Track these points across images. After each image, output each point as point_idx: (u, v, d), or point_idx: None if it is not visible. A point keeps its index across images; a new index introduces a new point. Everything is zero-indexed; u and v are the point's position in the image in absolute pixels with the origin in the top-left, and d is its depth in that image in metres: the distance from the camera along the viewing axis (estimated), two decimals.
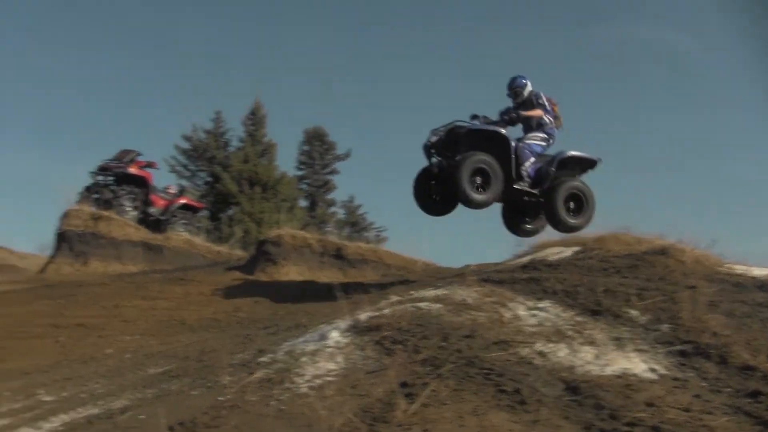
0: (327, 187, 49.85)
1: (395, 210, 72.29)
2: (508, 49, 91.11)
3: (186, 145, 45.75)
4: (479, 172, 13.88)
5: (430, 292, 11.61)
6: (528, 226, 15.49)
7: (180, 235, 24.68)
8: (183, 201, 25.86)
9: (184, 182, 42.18)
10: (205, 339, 12.55)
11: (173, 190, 26.38)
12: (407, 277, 16.45)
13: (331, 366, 8.76)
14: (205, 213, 31.65)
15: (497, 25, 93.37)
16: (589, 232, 14.65)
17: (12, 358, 12.72)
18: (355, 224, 47.90)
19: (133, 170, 24.59)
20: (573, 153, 14.84)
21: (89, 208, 23.57)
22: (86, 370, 11.54)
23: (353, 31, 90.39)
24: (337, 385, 8.12)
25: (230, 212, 39.89)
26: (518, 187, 14.41)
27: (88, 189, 24.40)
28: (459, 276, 13.50)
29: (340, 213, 49.04)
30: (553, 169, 14.53)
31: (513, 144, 14.43)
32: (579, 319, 9.72)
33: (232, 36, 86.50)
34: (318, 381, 8.38)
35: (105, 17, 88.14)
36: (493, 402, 7.25)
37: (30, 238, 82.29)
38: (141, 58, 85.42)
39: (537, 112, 14.84)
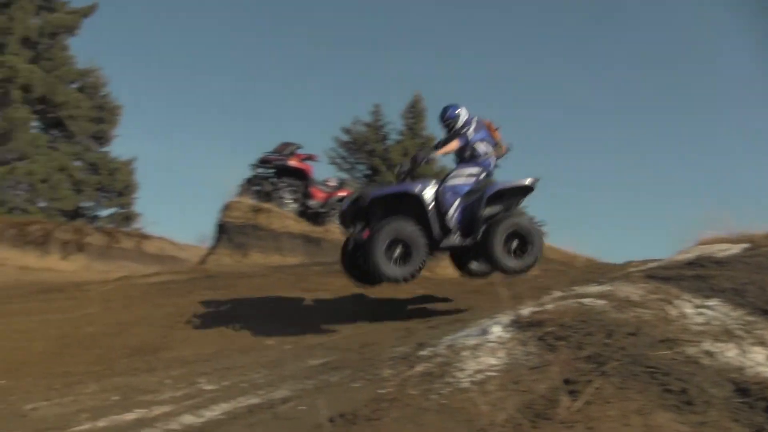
0: None
1: (555, 205, 71.88)
2: None
3: (346, 138, 46.16)
4: (395, 242, 12.70)
5: (594, 288, 11.46)
6: (475, 267, 14.39)
7: (339, 227, 24.80)
8: (342, 194, 25.92)
9: (344, 175, 42.52)
10: (366, 331, 12.62)
11: (333, 182, 26.46)
12: (569, 272, 16.28)
13: (493, 361, 8.70)
14: None
15: None
16: (759, 228, 14.08)
17: (174, 347, 13.01)
18: None
19: (293, 163, 24.74)
20: (500, 187, 13.32)
21: (249, 200, 23.87)
22: (247, 360, 11.73)
23: (509, 24, 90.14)
24: (499, 380, 8.07)
25: None
26: (446, 245, 13.26)
27: (248, 181, 24.68)
28: (623, 272, 13.30)
29: None
30: (484, 208, 13.15)
31: (431, 196, 13.08)
32: (749, 318, 9.46)
33: (392, 29, 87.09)
34: (479, 376, 8.33)
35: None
36: (659, 401, 7.12)
37: (190, 229, 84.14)
38: (301, 54, 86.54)
39: (451, 147, 13.56)
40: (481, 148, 13.54)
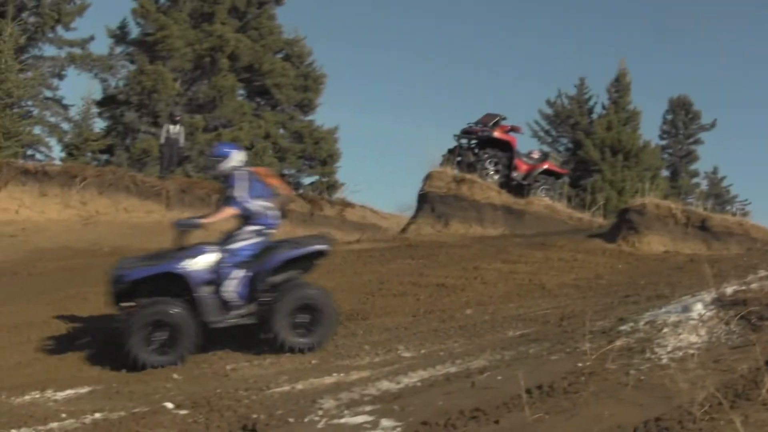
0: (690, 157, 48.86)
1: (762, 183, 70.08)
2: None
3: (549, 111, 45.96)
4: (158, 327, 11.08)
5: None
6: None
7: (542, 200, 24.66)
8: (546, 166, 25.76)
9: (546, 148, 42.34)
10: (565, 304, 12.61)
11: (536, 155, 26.34)
12: None
13: (694, 338, 8.64)
14: (566, 179, 31.55)
15: None
16: None
17: (374, 314, 13.22)
18: (718, 196, 46.74)
19: (497, 134, 24.72)
20: (287, 255, 11.90)
21: (452, 171, 23.96)
22: (445, 329, 11.86)
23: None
24: (699, 358, 8.01)
25: (591, 179, 39.75)
26: (225, 323, 11.66)
27: (451, 152, 24.79)
28: None
29: (703, 184, 47.96)
30: (269, 277, 11.76)
31: (203, 268, 11.54)
32: None
33: (598, 2, 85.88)
34: (679, 353, 8.29)
35: None
36: None
37: (392, 198, 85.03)
38: (509, 25, 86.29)
39: (220, 216, 12.03)
40: (257, 206, 12.03)
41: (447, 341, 11.09)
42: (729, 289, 9.74)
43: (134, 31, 40.54)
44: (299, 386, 9.54)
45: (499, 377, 8.65)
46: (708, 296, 9.72)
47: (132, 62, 39.90)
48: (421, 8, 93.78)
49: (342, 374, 9.88)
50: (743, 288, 9.76)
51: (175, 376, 10.58)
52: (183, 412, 8.85)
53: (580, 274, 15.22)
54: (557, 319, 11.38)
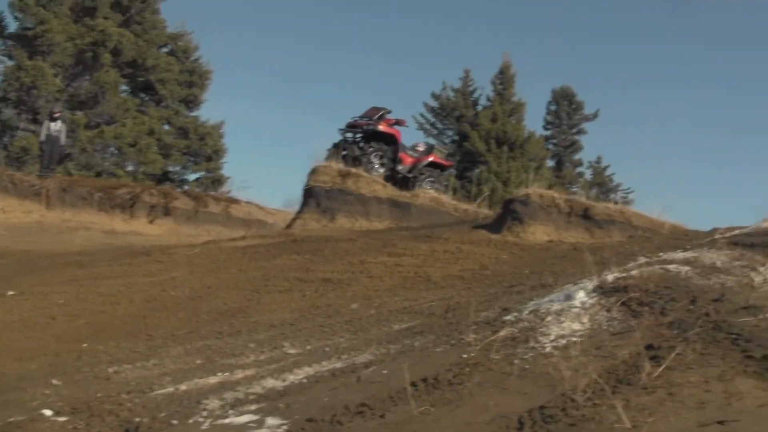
0: (574, 147, 49.55)
1: (644, 170, 71.26)
2: None
3: (434, 104, 46.23)
4: None
5: (679, 255, 11.45)
6: None
7: (427, 192, 24.85)
8: (431, 159, 25.99)
9: (432, 140, 42.56)
10: (450, 296, 12.66)
11: (421, 147, 26.54)
12: (655, 239, 16.19)
13: (576, 326, 8.75)
14: (452, 171, 31.79)
15: None
16: None
17: (259, 311, 13.18)
18: (601, 185, 47.47)
19: (382, 127, 24.86)
20: None
21: (337, 165, 24.02)
22: (331, 325, 11.85)
23: None
24: (581, 345, 8.11)
25: (477, 171, 40.09)
26: None
27: (336, 146, 24.89)
28: (708, 239, 13.24)
29: (587, 173, 48.67)
30: None
31: None
32: None
33: None
34: (562, 341, 8.40)
35: None
36: (740, 368, 7.09)
37: (278, 194, 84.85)
38: (394, 16, 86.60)
39: None
40: None
41: (333, 337, 11.07)
42: (610, 277, 9.91)
43: (12, 25, 39.79)
44: (183, 387, 9.45)
45: (385, 371, 8.67)
46: (590, 284, 9.88)
47: (10, 57, 39.15)
48: (309, 1, 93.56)
49: (227, 373, 9.80)
50: (624, 275, 9.93)
51: (54, 381, 10.35)
52: (62, 419, 8.69)
53: (466, 265, 15.31)
54: (442, 311, 11.43)
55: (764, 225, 13.56)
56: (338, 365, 9.40)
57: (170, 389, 9.42)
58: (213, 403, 8.51)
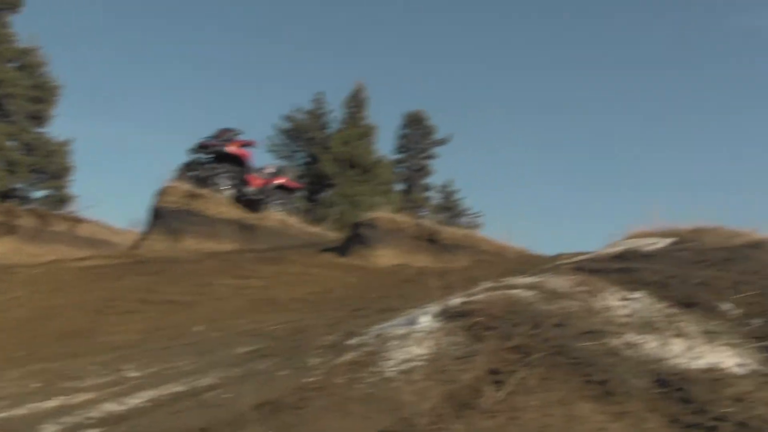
0: (425, 171, 49.91)
1: (489, 196, 72.33)
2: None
3: (286, 126, 46.14)
4: None
5: (523, 280, 11.59)
6: None
7: (275, 214, 24.83)
8: (280, 181, 25.99)
9: (283, 162, 42.49)
10: (296, 319, 12.65)
11: (271, 169, 26.51)
12: (501, 263, 16.40)
13: (420, 350, 8.77)
14: (301, 193, 31.81)
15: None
16: (685, 223, 14.26)
17: (102, 333, 13.00)
18: (450, 209, 47.94)
19: (231, 149, 24.77)
20: None
21: (185, 186, 23.83)
22: (174, 347, 11.74)
23: (456, 14, 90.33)
24: (425, 370, 8.14)
25: (327, 194, 40.15)
26: None
27: (185, 166, 24.69)
28: (552, 264, 13.45)
29: (437, 198, 49.09)
30: None
31: None
32: (671, 311, 9.61)
33: (335, 18, 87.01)
34: (406, 365, 8.40)
35: None
36: (581, 392, 7.22)
37: (125, 213, 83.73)
38: (243, 37, 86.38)
39: None
40: None
41: (176, 359, 10.93)
42: (455, 301, 9.97)
43: None
44: (20, 412, 9.18)
45: (228, 395, 8.58)
46: (435, 308, 9.92)
47: None
48: (164, 18, 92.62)
49: (65, 397, 9.56)
50: (469, 299, 10.00)
51: None
52: None
53: (312, 288, 15.33)
54: (288, 334, 11.40)
55: (606, 251, 13.85)
56: (181, 388, 9.26)
57: (5, 414, 9.14)
58: (50, 428, 8.29)
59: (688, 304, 9.82)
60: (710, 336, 8.81)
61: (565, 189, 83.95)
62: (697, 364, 8.03)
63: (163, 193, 23.77)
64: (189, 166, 24.62)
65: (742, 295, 10.11)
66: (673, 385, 7.28)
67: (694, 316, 9.45)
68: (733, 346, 8.58)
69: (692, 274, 11.03)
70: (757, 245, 12.44)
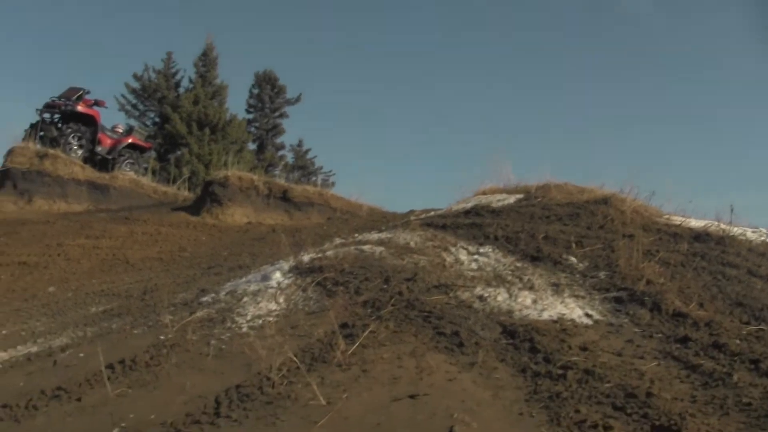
0: (276, 130, 49.69)
1: (344, 154, 72.41)
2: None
3: (136, 85, 45.44)
4: None
5: (374, 236, 11.71)
6: None
7: (126, 174, 24.51)
8: (130, 140, 25.64)
9: (133, 122, 41.89)
10: (149, 278, 12.59)
11: (121, 129, 26.14)
12: (352, 221, 16.49)
13: (273, 306, 8.84)
14: (152, 153, 31.42)
15: None
16: (533, 180, 14.52)
17: None
18: (303, 168, 47.86)
19: (80, 108, 24.32)
20: None
21: (35, 146, 23.33)
22: (27, 308, 11.56)
23: None
24: (277, 325, 8.20)
25: (178, 153, 39.73)
26: None
27: (33, 126, 24.16)
28: (403, 221, 13.58)
29: (289, 157, 48.94)
30: None
31: None
32: (519, 264, 9.84)
33: None
34: (259, 321, 8.47)
35: None
36: (432, 344, 7.34)
37: None
38: None
39: None
40: None
41: (29, 321, 10.80)
42: (306, 257, 10.06)
43: None
44: None
45: (81, 354, 8.51)
46: (286, 265, 9.99)
47: None
48: None
49: None
50: (320, 256, 10.10)
51: None
52: None
53: (164, 247, 15.23)
54: (140, 293, 11.34)
55: (457, 207, 14.03)
56: (34, 349, 9.18)
57: None
58: None
59: (535, 258, 10.07)
60: (557, 288, 9.05)
61: (416, 145, 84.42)
62: (545, 315, 8.24)
63: (12, 153, 23.19)
64: (38, 127, 24.10)
65: (588, 248, 10.39)
66: (521, 336, 7.45)
67: (541, 270, 9.69)
68: (578, 297, 8.84)
69: (539, 228, 11.28)
70: (601, 201, 12.76)
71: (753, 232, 12.29)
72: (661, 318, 8.14)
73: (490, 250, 10.43)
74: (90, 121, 24.62)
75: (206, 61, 44.53)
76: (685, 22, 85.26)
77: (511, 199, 13.71)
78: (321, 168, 48.57)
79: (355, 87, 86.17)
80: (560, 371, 6.58)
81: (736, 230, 12.02)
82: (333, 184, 42.03)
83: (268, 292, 9.17)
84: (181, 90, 45.04)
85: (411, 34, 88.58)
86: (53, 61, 78.73)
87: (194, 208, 19.38)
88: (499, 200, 13.72)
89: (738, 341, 7.34)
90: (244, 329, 8.27)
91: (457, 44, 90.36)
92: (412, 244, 10.80)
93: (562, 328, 7.80)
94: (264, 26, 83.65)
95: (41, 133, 23.98)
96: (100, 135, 24.76)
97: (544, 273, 9.55)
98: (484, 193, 14.71)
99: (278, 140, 49.64)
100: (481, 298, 8.66)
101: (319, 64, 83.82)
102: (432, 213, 14.35)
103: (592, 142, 77.65)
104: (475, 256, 10.22)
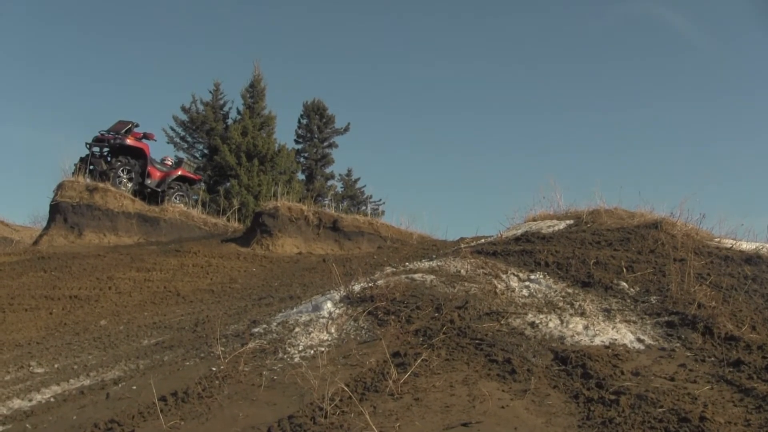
0: (325, 160, 49.80)
1: (393, 183, 72.47)
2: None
3: (184, 117, 45.74)
4: None
5: (425, 264, 11.69)
6: None
7: (176, 206, 24.60)
8: (180, 173, 25.75)
9: (182, 154, 42.14)
10: (200, 310, 12.63)
11: (170, 161, 26.25)
12: (402, 249, 16.48)
13: (324, 336, 8.85)
14: (201, 185, 31.58)
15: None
16: (584, 206, 14.45)
17: (4, 331, 12.79)
18: (352, 197, 47.90)
19: (130, 141, 24.45)
20: None
21: (84, 180, 23.47)
22: (79, 342, 11.61)
23: (355, 9, 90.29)
24: (329, 355, 8.21)
25: (228, 185, 39.89)
26: None
27: (83, 160, 24.31)
28: (453, 248, 13.56)
29: (339, 186, 49.00)
30: None
31: None
32: (570, 290, 9.80)
33: (234, 7, 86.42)
34: (311, 351, 8.47)
35: None
36: (484, 371, 7.33)
37: (24, 210, 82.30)
38: (141, 29, 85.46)
39: None
40: None
41: (81, 354, 10.85)
42: (357, 287, 10.05)
43: None
44: None
45: (134, 387, 8.54)
46: (337, 295, 9.99)
47: None
48: (53, 7, 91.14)
49: None
50: (371, 285, 10.09)
51: None
52: None
53: (215, 279, 15.28)
54: (192, 325, 11.38)
55: (507, 234, 13.98)
56: (87, 383, 9.21)
57: None
58: None
59: (586, 284, 10.02)
60: (608, 314, 9.00)
61: (466, 172, 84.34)
62: (597, 341, 8.20)
63: (62, 188, 23.34)
64: (87, 161, 24.23)
65: (638, 273, 10.33)
66: (573, 362, 7.42)
67: (592, 295, 9.63)
68: (630, 322, 8.78)
69: (590, 254, 11.23)
70: (652, 225, 12.67)
71: None
72: (713, 342, 8.08)
73: (541, 276, 10.40)
74: (139, 154, 24.75)
75: (254, 92, 44.70)
76: (736, 44, 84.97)
77: (562, 224, 13.64)
78: (370, 197, 48.53)
79: (404, 115, 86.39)
80: (613, 396, 6.55)
81: None
82: (383, 212, 41.93)
83: (320, 322, 9.18)
84: (229, 121, 45.25)
85: (458, 63, 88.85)
86: (102, 95, 79.58)
87: (244, 239, 19.44)
88: (549, 226, 13.65)
89: None
90: (296, 359, 8.28)
91: (506, 72, 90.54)
92: (462, 271, 10.78)
93: (614, 353, 7.76)
94: (312, 57, 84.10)
95: (91, 167, 24.09)
96: (149, 168, 24.88)
97: (595, 298, 9.50)
98: (534, 219, 14.65)
99: (327, 170, 49.71)
100: (532, 324, 8.63)
101: (367, 93, 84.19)
102: (482, 240, 14.31)
103: (643, 165, 77.13)
104: (526, 283, 10.19)
